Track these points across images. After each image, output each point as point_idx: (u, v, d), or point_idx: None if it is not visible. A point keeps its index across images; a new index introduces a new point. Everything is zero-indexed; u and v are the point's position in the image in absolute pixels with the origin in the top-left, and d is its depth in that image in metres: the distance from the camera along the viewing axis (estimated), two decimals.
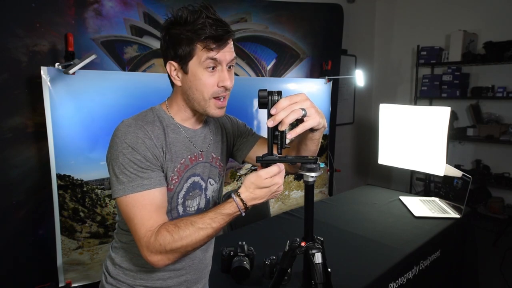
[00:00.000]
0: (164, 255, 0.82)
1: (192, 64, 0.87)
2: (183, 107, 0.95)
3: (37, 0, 1.83)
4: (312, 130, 0.87)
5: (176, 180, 0.93)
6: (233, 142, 1.13)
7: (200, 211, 0.99)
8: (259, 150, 1.10)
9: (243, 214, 0.85)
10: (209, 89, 0.88)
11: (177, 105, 0.95)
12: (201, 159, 0.99)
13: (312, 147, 0.94)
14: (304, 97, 0.81)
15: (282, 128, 0.78)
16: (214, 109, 0.90)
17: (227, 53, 0.87)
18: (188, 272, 1.01)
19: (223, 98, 0.91)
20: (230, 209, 0.83)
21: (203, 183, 1.00)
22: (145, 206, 0.84)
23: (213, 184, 1.04)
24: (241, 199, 0.83)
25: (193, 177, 0.97)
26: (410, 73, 4.37)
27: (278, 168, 0.83)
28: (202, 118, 1.01)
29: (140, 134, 0.86)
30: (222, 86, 0.88)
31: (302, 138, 0.93)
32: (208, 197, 1.02)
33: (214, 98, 0.89)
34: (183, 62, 0.87)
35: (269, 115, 0.82)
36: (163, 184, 0.88)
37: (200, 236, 0.82)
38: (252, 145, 1.11)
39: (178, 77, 0.90)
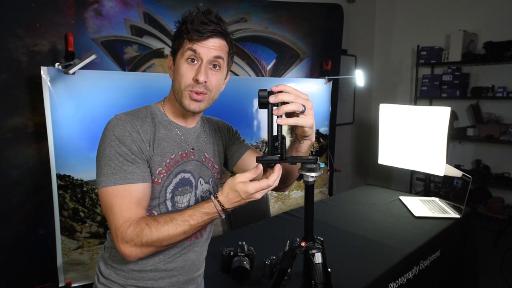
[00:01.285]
0: (138, 248, 0.83)
1: (178, 56, 0.92)
2: (174, 102, 0.98)
3: (37, 0, 1.83)
4: (301, 138, 0.88)
5: (165, 174, 0.94)
6: (227, 148, 1.14)
7: None
8: (249, 159, 1.11)
9: (222, 216, 0.85)
10: (185, 80, 0.90)
11: (170, 101, 1.00)
12: (192, 156, 1.00)
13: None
14: (308, 97, 0.81)
15: (278, 113, 0.78)
16: (188, 100, 0.91)
17: (211, 49, 0.89)
18: (180, 273, 1.01)
19: (200, 94, 0.91)
20: (208, 208, 0.84)
21: (193, 181, 1.00)
22: (125, 197, 0.85)
23: (203, 184, 1.03)
24: (219, 201, 0.84)
25: (183, 173, 0.98)
26: (410, 73, 4.37)
27: (252, 174, 0.82)
28: (194, 116, 1.02)
29: (128, 127, 0.89)
30: (196, 80, 0.89)
31: (288, 150, 0.94)
32: (197, 197, 1.02)
33: (190, 91, 0.91)
34: (175, 55, 0.94)
35: (270, 115, 0.82)
36: (146, 180, 0.89)
37: (177, 232, 0.83)
38: (243, 153, 1.13)
39: (171, 70, 0.97)
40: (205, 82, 0.90)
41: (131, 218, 0.84)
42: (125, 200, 0.85)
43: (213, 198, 0.85)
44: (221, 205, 0.83)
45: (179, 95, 0.92)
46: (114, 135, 0.87)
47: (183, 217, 0.84)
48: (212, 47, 0.89)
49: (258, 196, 0.82)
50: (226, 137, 1.15)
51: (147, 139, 0.91)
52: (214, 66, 0.92)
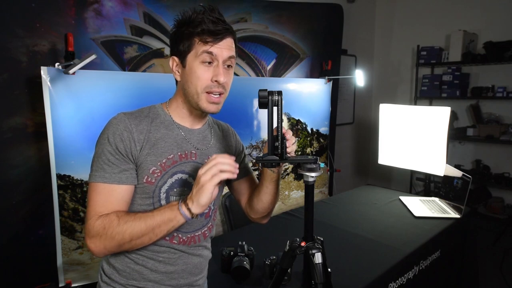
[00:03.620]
0: (102, 242, 0.84)
1: (190, 58, 0.91)
2: (181, 104, 0.98)
3: (37, 0, 1.83)
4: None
5: (159, 174, 0.93)
6: None
7: None
8: (245, 183, 1.13)
9: (182, 210, 0.85)
10: (202, 83, 0.90)
11: (176, 102, 0.99)
12: (193, 158, 0.99)
13: (265, 197, 1.04)
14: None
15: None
16: (206, 103, 0.92)
17: (224, 49, 0.90)
18: (181, 276, 1.01)
19: (218, 94, 0.92)
20: (171, 205, 0.87)
21: (193, 183, 0.99)
22: (102, 194, 0.88)
23: None
24: (184, 200, 0.86)
25: (180, 174, 0.97)
26: (410, 73, 4.37)
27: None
28: (201, 118, 1.02)
29: (120, 126, 0.90)
30: (215, 81, 0.90)
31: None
32: None
33: (207, 92, 0.91)
34: (183, 57, 0.92)
35: (270, 116, 0.82)
36: (123, 182, 0.89)
37: (140, 227, 0.84)
38: (242, 176, 1.13)
39: (178, 71, 0.95)
40: (224, 82, 0.91)
41: (102, 213, 0.86)
42: (102, 196, 0.88)
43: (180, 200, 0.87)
44: (185, 203, 0.85)
45: (194, 98, 0.92)
46: (106, 134, 0.90)
47: (147, 214, 0.86)
48: (225, 48, 0.91)
49: (206, 176, 0.82)
50: (233, 146, 1.14)
51: (140, 138, 0.91)
52: (227, 66, 0.93)
